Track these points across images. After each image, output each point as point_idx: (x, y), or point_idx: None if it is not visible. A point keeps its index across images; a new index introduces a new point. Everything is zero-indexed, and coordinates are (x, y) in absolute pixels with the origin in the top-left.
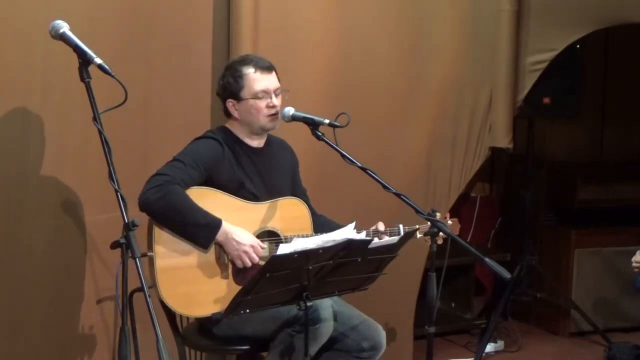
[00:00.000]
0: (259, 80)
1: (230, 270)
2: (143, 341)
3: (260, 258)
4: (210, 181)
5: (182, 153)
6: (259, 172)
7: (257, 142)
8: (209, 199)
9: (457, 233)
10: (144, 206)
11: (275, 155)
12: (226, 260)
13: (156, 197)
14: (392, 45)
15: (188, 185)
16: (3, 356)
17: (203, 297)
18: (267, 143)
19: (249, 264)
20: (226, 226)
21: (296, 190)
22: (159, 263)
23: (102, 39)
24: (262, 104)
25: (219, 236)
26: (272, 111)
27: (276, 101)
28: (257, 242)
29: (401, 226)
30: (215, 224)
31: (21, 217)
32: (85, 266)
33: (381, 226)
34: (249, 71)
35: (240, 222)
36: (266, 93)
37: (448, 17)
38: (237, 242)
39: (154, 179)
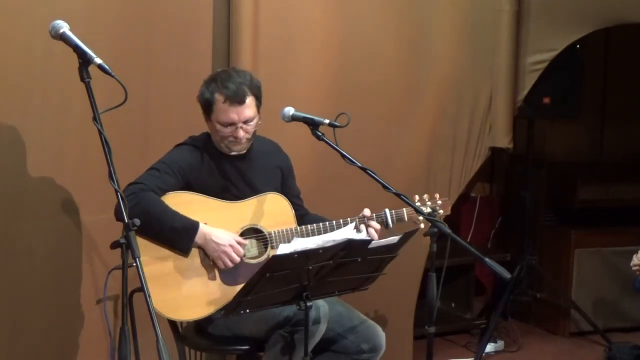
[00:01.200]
0: (225, 112)
1: (217, 271)
2: (143, 341)
3: (246, 256)
4: (189, 187)
5: (159, 161)
6: (242, 175)
7: (234, 152)
8: (187, 202)
9: (449, 212)
10: (119, 216)
11: (259, 157)
12: (211, 261)
13: (129, 205)
14: (392, 45)
15: (164, 192)
16: (3, 356)
17: (192, 301)
18: (252, 146)
19: (230, 264)
20: (204, 228)
21: (286, 190)
22: (145, 270)
23: (102, 39)
24: (226, 131)
25: (198, 239)
26: (235, 140)
27: (241, 133)
28: (235, 241)
29: (387, 210)
30: (192, 226)
31: (21, 217)
32: (85, 266)
33: (367, 212)
34: (220, 99)
35: (222, 222)
36: (232, 124)
37: (448, 17)
38: (217, 243)
39: (127, 188)
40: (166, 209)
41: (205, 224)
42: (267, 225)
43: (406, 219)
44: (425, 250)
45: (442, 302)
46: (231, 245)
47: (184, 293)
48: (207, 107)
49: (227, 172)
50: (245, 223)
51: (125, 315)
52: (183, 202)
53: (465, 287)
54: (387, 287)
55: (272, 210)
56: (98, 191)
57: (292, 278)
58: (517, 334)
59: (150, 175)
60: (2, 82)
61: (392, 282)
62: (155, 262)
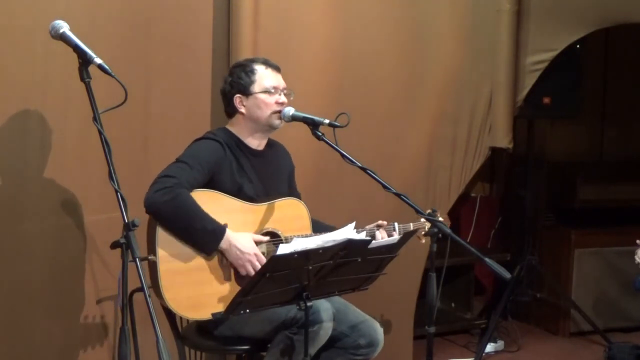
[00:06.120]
0: (269, 76)
1: (232, 272)
2: (143, 341)
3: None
4: (211, 182)
5: (186, 155)
6: (258, 174)
7: (257, 143)
8: (210, 201)
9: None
10: (151, 208)
11: (274, 158)
12: (228, 262)
13: (164, 199)
14: (392, 45)
15: (193, 188)
16: (3, 356)
17: (207, 300)
18: (268, 146)
19: (252, 272)
20: (229, 234)
21: (293, 194)
22: (162, 267)
23: (102, 39)
24: (271, 99)
25: (223, 244)
26: (280, 110)
27: (284, 99)
28: (259, 250)
29: (396, 224)
30: (220, 231)
31: (21, 217)
32: (85, 266)
33: (381, 222)
34: (260, 67)
35: (241, 224)
36: (276, 89)
37: (448, 17)
38: (241, 251)
39: (161, 180)
40: (198, 208)
41: (225, 224)
42: (285, 230)
43: (412, 227)
44: (425, 250)
45: (442, 302)
46: (255, 255)
47: (199, 292)
48: (247, 79)
49: (245, 167)
50: (263, 226)
51: (125, 315)
52: (207, 200)
53: (465, 287)
54: (387, 287)
55: (290, 215)
56: (98, 191)
57: (292, 278)
58: (517, 334)
59: (182, 170)
60: (2, 82)
61: (392, 282)
62: (173, 259)
